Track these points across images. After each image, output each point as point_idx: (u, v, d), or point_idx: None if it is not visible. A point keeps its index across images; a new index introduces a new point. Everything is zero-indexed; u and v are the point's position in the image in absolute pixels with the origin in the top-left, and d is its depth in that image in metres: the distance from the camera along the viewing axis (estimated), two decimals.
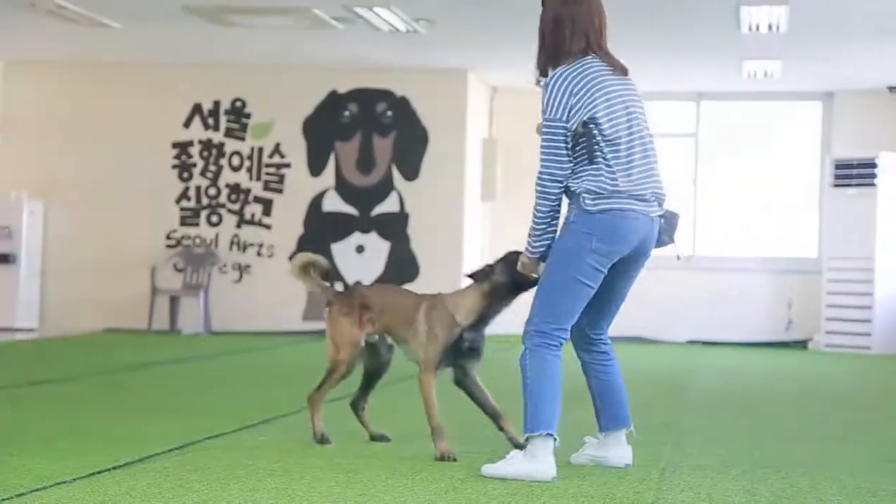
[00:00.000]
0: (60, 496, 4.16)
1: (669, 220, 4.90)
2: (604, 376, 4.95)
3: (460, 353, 5.12)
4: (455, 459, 4.94)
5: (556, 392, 4.63)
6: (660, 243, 4.89)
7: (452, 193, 13.32)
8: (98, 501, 4.07)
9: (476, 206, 13.81)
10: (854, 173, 13.05)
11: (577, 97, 4.67)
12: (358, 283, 12.33)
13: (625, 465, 4.93)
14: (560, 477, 4.61)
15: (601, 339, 4.93)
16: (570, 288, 4.65)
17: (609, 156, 4.67)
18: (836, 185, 13.15)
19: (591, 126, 4.65)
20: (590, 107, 4.66)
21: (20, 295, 13.20)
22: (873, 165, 12.93)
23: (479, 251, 13.95)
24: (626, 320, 14.79)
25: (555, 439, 4.58)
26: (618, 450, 4.95)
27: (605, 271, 4.68)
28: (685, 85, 13.80)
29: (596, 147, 4.65)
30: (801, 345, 13.53)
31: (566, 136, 4.67)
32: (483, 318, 5.16)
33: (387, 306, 5.35)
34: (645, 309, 13.76)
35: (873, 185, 12.92)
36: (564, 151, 4.68)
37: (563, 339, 4.71)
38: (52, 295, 13.62)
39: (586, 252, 4.62)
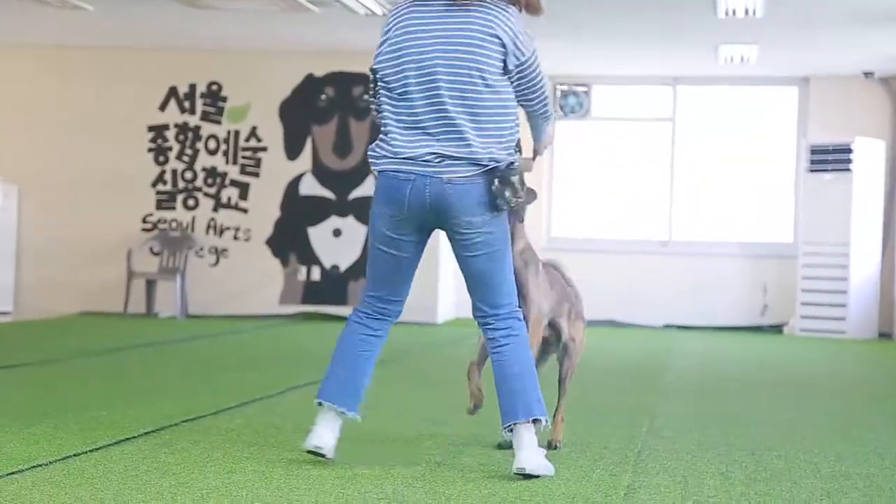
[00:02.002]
0: (37, 479, 4.15)
1: (503, 180, 4.32)
2: (494, 362, 4.46)
3: None
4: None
5: (340, 359, 4.53)
6: (496, 207, 4.36)
7: None
8: (75, 484, 4.07)
9: None
10: (830, 158, 13.11)
11: (386, 41, 4.45)
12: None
13: (516, 471, 4.33)
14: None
15: (484, 321, 4.47)
16: (371, 253, 4.55)
17: (391, 111, 4.42)
18: (812, 171, 13.21)
19: (378, 77, 4.46)
20: (384, 56, 4.43)
21: None
22: (849, 151, 12.99)
23: None
24: (601, 304, 14.88)
25: (332, 407, 4.48)
26: (518, 452, 4.36)
27: (401, 237, 4.45)
28: (662, 69, 13.82)
29: (382, 100, 4.44)
30: (777, 329, 13.61)
31: (375, 81, 4.47)
32: None
33: None
34: (620, 293, 13.83)
35: (849, 170, 12.98)
36: (374, 97, 4.49)
37: (375, 306, 4.56)
38: (27, 278, 13.56)
39: (375, 216, 4.48)
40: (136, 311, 13.14)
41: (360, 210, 13.31)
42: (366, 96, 4.67)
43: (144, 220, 13.57)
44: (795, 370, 9.50)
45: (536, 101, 4.55)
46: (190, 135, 13.61)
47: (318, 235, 13.40)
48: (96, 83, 13.58)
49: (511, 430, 4.36)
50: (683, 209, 14.25)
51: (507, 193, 4.33)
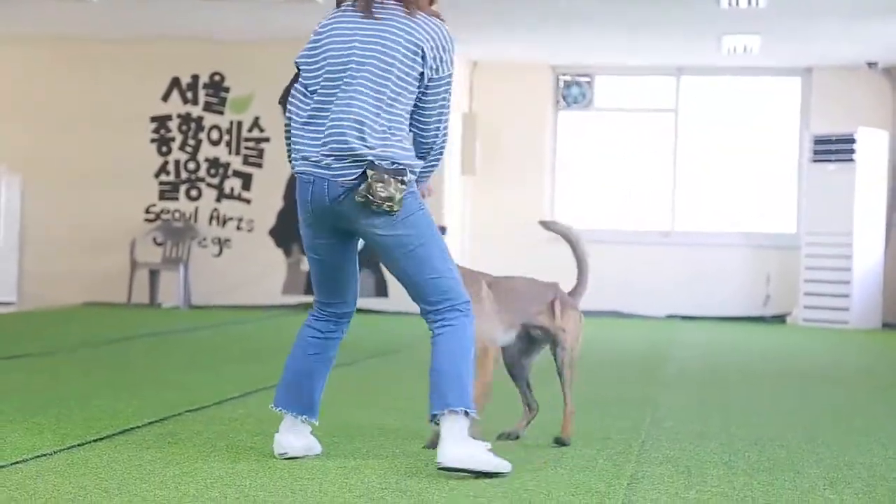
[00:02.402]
0: (41, 468, 4.16)
1: (376, 178, 4.17)
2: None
3: None
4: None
5: (289, 364, 4.48)
6: (370, 204, 4.19)
7: None
8: (79, 474, 4.08)
9: (456, 181, 13.80)
10: (833, 149, 13.10)
11: (311, 41, 4.38)
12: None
13: (437, 466, 4.19)
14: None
15: (425, 318, 4.33)
16: (307, 257, 4.51)
17: (301, 110, 4.35)
18: (816, 161, 13.20)
19: (298, 73, 4.38)
20: (306, 51, 4.37)
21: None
22: (852, 141, 12.98)
23: (460, 225, 13.96)
24: (604, 294, 14.89)
25: (281, 411, 4.45)
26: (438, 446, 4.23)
27: (320, 241, 4.35)
28: (665, 59, 13.81)
29: (295, 98, 4.37)
30: (780, 320, 13.61)
31: (294, 78, 4.41)
32: None
33: None
34: (623, 283, 13.82)
35: (852, 160, 12.97)
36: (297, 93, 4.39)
37: (321, 310, 4.51)
38: (30, 268, 13.57)
39: (299, 220, 4.42)
40: (140, 301, 13.15)
41: None
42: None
43: (147, 211, 13.58)
44: (798, 360, 9.50)
45: (432, 125, 4.38)
46: (193, 125, 13.61)
47: None
48: (99, 74, 13.57)
49: (437, 424, 4.22)
50: (686, 200, 14.24)
51: (380, 192, 4.15)
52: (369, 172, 4.17)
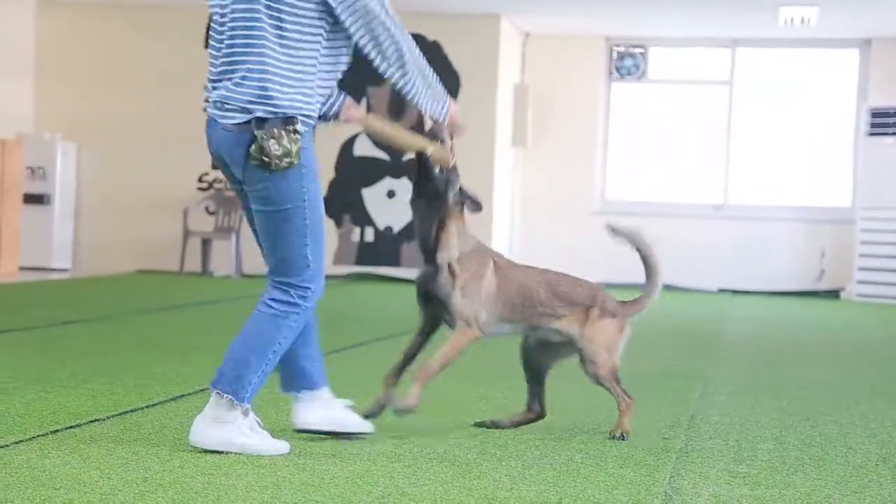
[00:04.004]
0: (94, 433, 4.22)
1: (267, 134, 3.84)
2: None
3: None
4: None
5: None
6: (253, 159, 3.87)
7: (483, 139, 13.26)
8: (132, 439, 4.12)
9: (507, 152, 13.76)
10: (891, 122, 12.91)
11: None
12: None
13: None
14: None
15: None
16: None
17: (211, 51, 4.01)
18: (872, 134, 13.01)
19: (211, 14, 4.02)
20: None
21: (54, 235, 13.28)
22: None
23: (510, 197, 13.92)
24: None
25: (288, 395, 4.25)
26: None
27: (236, 186, 4.05)
28: (720, 31, 13.65)
29: (211, 39, 4.02)
30: (833, 294, 13.47)
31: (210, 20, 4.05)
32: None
33: None
34: (675, 256, 13.70)
35: None
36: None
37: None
38: (85, 236, 13.71)
39: None
40: (192, 269, 13.25)
41: (414, 172, 13.31)
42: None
43: (200, 180, 13.66)
44: (852, 335, 9.41)
45: (370, 48, 3.96)
46: None
47: (372, 196, 13.42)
48: (155, 41, 13.64)
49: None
50: (740, 173, 14.11)
51: (274, 150, 3.82)
52: (257, 133, 3.85)
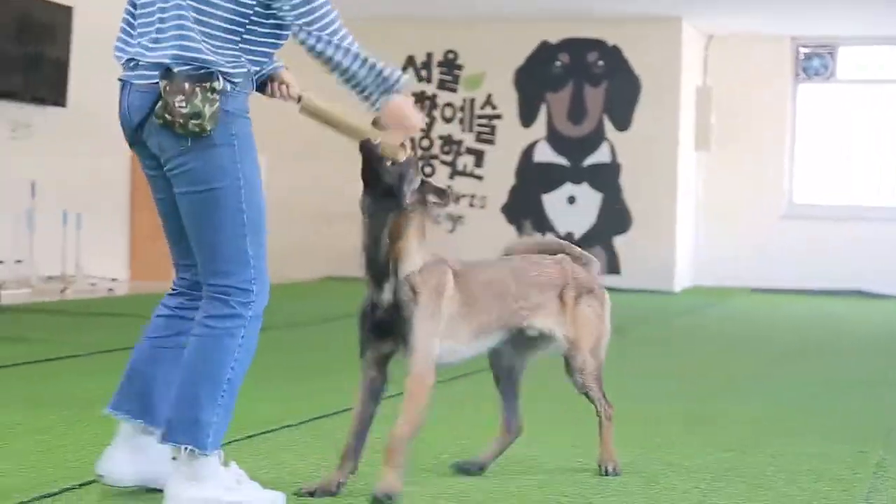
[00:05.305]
0: (288, 439, 4.33)
1: (173, 87, 3.19)
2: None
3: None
4: None
5: (133, 353, 3.48)
6: (171, 126, 3.19)
7: (665, 143, 13.11)
8: (323, 446, 4.21)
9: (689, 156, 13.56)
10: None
11: None
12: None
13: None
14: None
15: (190, 294, 3.45)
16: None
17: (127, 8, 3.41)
18: None
19: None
20: None
21: None
22: None
23: (693, 201, 13.72)
24: (847, 273, 14.33)
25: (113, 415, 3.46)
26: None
27: (147, 170, 3.38)
28: None
29: None
30: None
31: None
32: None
33: None
34: (867, 262, 13.27)
35: None
36: None
37: (177, 277, 3.49)
38: (271, 243, 13.84)
39: None
40: None
41: (595, 177, 13.25)
42: None
43: None
44: None
45: (309, 40, 3.33)
46: (427, 103, 13.82)
47: (553, 202, 13.41)
48: None
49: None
50: None
51: (180, 108, 3.14)
52: (162, 83, 3.19)
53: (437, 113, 13.80)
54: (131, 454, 3.34)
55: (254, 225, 3.35)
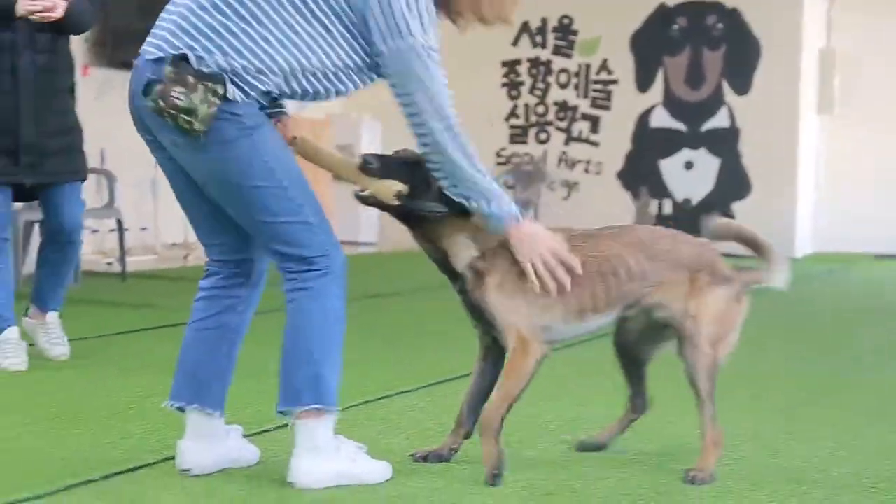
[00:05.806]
0: (404, 404, 4.36)
1: (176, 74, 3.05)
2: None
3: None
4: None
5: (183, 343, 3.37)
6: (160, 112, 3.05)
7: (786, 107, 12.84)
8: (439, 410, 4.23)
9: (811, 120, 13.26)
10: None
11: None
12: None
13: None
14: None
15: (283, 273, 3.24)
16: None
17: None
18: None
19: None
20: None
21: (362, 211, 13.80)
22: None
23: (815, 167, 13.42)
24: None
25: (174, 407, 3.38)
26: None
27: (157, 154, 3.29)
28: None
29: None
30: None
31: None
32: None
33: None
34: None
35: None
36: None
37: (209, 266, 3.37)
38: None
39: None
40: None
41: (713, 142, 13.05)
42: None
43: (498, 154, 13.88)
44: None
45: (406, 108, 3.42)
46: (542, 69, 13.74)
47: (670, 168, 13.25)
48: None
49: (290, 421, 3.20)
50: None
51: (176, 100, 3.00)
52: (166, 69, 3.03)
53: (551, 79, 13.72)
54: (207, 443, 3.29)
55: (302, 192, 3.18)
